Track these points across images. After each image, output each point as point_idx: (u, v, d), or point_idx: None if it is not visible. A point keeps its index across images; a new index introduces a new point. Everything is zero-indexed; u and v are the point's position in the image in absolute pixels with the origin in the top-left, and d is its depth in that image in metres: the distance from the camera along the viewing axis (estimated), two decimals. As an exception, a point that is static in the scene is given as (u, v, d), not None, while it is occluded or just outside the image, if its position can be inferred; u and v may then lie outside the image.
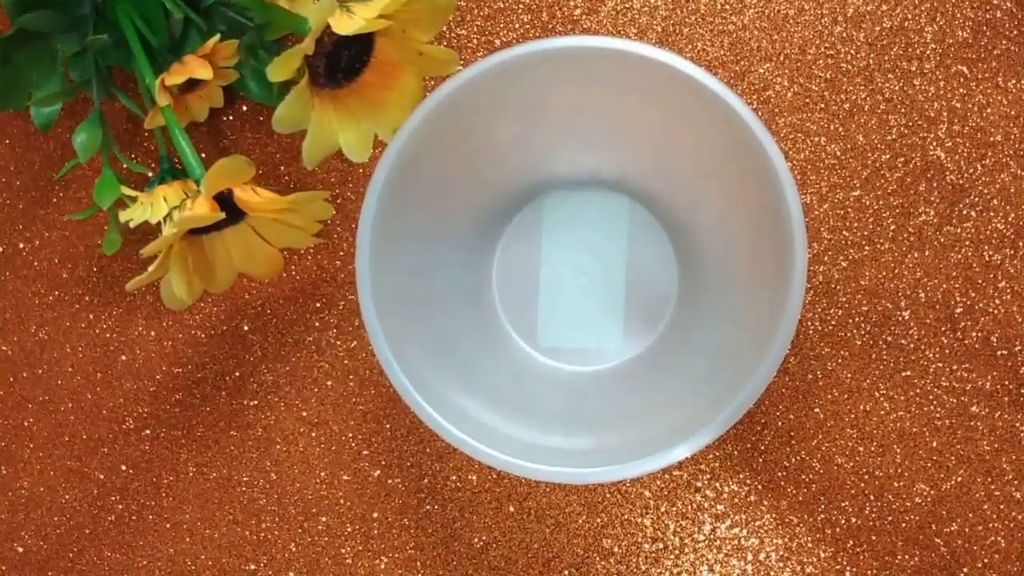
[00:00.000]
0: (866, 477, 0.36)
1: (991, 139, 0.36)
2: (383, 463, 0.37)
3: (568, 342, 0.36)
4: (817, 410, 0.36)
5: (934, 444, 0.36)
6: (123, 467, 0.37)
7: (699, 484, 0.36)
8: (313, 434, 0.37)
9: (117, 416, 0.37)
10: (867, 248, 0.36)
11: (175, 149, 0.31)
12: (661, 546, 0.36)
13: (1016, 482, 0.35)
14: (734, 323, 0.31)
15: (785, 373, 0.36)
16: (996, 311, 0.36)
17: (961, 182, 0.36)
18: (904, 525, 0.35)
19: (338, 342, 0.37)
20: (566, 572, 0.36)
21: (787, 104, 0.37)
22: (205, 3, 0.32)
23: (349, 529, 0.36)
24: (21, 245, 0.38)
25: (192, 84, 0.31)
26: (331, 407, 0.37)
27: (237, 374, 0.37)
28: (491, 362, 0.34)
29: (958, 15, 0.37)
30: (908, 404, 0.36)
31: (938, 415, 0.36)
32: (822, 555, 0.35)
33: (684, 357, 0.33)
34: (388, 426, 0.37)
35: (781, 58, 0.37)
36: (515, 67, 0.27)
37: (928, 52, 0.37)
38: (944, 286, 0.36)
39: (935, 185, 0.36)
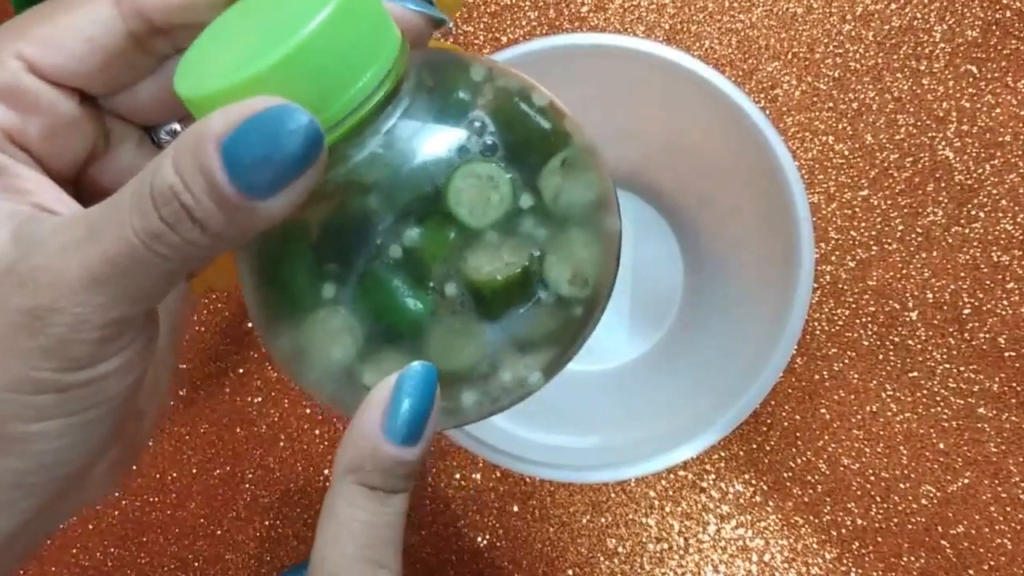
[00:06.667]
0: (872, 478, 0.35)
1: (1000, 139, 0.36)
2: (387, 461, 0.36)
3: (573, 341, 0.35)
4: (823, 411, 0.36)
5: (941, 445, 0.35)
6: (127, 463, 0.37)
7: (704, 484, 0.36)
8: (317, 431, 0.37)
9: (121, 412, 0.37)
10: (875, 248, 0.36)
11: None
12: (666, 546, 0.36)
13: None
14: (740, 323, 0.31)
15: (791, 373, 0.36)
16: (1004, 312, 0.36)
17: (970, 182, 0.36)
18: (910, 527, 0.35)
19: (343, 339, 0.37)
20: (570, 572, 0.36)
21: (795, 103, 0.36)
22: None
23: (353, 527, 0.36)
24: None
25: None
26: (335, 405, 0.37)
27: (241, 371, 0.37)
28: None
29: (967, 14, 0.36)
30: (915, 405, 0.36)
31: (945, 416, 0.35)
32: (827, 556, 0.35)
33: (690, 356, 0.33)
34: (392, 424, 0.37)
35: (789, 56, 0.37)
36: (522, 64, 0.27)
37: (937, 51, 0.36)
38: (952, 287, 0.36)
39: (943, 185, 0.36)
